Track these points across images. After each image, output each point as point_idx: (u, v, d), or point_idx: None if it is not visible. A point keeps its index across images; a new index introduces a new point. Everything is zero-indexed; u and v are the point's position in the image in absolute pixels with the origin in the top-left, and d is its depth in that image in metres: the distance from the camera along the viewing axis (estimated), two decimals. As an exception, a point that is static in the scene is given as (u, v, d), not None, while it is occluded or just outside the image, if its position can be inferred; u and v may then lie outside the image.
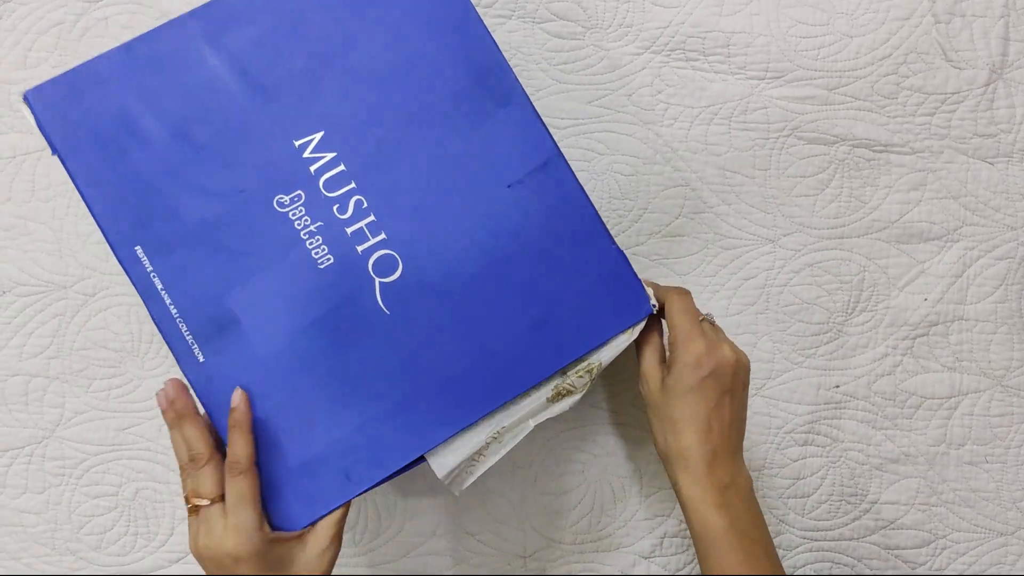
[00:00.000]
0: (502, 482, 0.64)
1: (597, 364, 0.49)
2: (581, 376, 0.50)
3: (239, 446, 0.45)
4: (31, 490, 0.64)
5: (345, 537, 0.64)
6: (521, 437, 0.49)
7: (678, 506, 0.64)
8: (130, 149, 0.47)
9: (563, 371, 0.49)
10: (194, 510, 0.46)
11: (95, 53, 0.63)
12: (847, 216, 0.63)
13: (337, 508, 0.48)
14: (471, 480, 0.49)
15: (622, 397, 0.64)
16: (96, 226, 0.60)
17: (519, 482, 0.64)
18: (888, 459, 0.64)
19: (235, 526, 0.45)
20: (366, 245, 0.47)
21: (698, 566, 0.64)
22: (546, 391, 0.49)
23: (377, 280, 0.47)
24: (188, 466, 0.46)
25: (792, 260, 0.63)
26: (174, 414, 0.46)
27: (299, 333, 0.47)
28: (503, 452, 0.49)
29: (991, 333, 0.63)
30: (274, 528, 0.47)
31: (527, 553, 0.64)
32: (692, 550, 0.64)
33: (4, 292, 0.63)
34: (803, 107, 0.63)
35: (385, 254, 0.48)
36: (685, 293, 0.51)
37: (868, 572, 0.64)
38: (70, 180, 0.47)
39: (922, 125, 0.63)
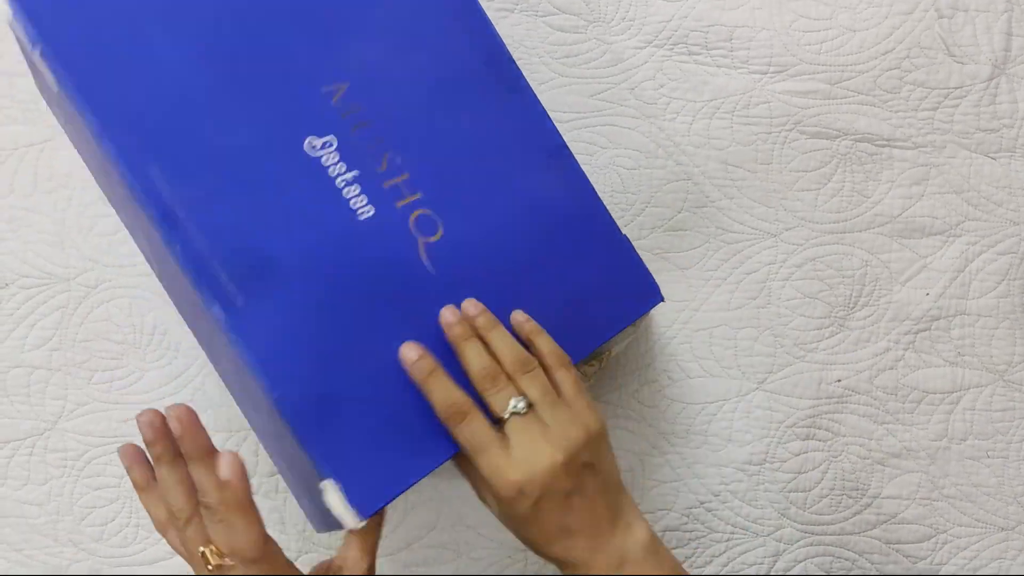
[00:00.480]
0: (503, 475, 0.64)
1: (607, 353, 0.49)
2: (592, 365, 0.49)
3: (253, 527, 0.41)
4: (33, 482, 0.64)
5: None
6: None
7: (679, 499, 0.64)
8: (143, 61, 0.41)
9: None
10: (217, 569, 0.40)
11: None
12: (849, 210, 0.63)
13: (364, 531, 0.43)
14: None
15: (621, 391, 0.64)
16: (100, 216, 0.60)
17: (520, 475, 0.64)
18: (889, 454, 0.64)
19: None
20: (405, 201, 0.45)
21: (697, 561, 0.64)
22: None
23: (420, 239, 0.45)
24: (202, 514, 0.40)
25: (794, 254, 0.63)
26: (188, 446, 0.40)
27: (342, 285, 0.43)
28: None
29: (993, 328, 0.63)
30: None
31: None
32: (693, 544, 0.64)
33: (6, 284, 0.63)
34: (806, 101, 0.63)
35: (424, 214, 0.45)
36: (460, 418, 0.42)
37: (869, 566, 0.64)
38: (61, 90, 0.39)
39: (925, 120, 0.63)
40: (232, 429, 0.64)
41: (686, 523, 0.64)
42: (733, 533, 0.64)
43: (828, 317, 0.63)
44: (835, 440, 0.64)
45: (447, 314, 0.44)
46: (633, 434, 0.64)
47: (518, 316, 0.45)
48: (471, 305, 0.44)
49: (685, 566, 0.64)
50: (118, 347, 0.64)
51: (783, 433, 0.64)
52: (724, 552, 0.64)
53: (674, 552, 0.64)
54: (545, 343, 0.45)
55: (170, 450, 0.41)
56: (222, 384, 0.63)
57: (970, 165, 0.63)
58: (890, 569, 0.64)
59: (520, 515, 0.42)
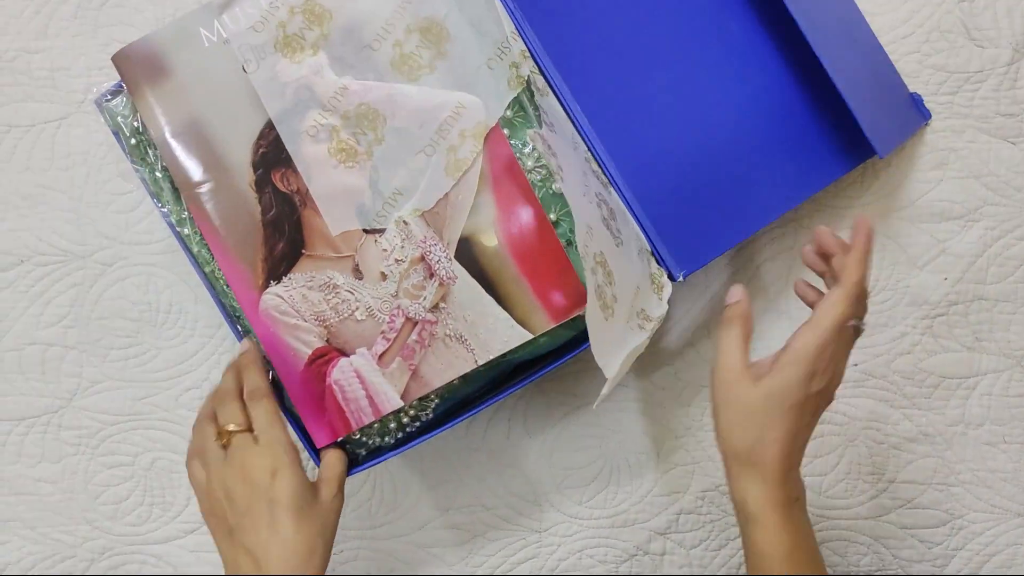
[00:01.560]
0: (519, 456, 0.64)
1: (658, 317, 0.52)
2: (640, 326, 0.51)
3: (258, 377, 0.49)
4: (47, 459, 0.64)
5: (360, 510, 0.64)
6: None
7: (694, 482, 0.64)
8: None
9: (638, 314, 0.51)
10: (226, 436, 0.47)
11: (115, 21, 0.63)
12: (868, 195, 0.63)
13: (334, 453, 0.51)
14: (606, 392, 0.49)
15: (640, 372, 0.64)
16: (116, 194, 0.60)
17: (535, 457, 0.64)
18: (906, 438, 0.63)
19: (268, 442, 0.46)
20: None
21: (712, 544, 0.64)
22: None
23: None
24: (216, 400, 0.48)
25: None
26: (243, 360, 0.50)
27: None
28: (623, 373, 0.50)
29: (1011, 313, 0.63)
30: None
31: (543, 528, 0.64)
32: (708, 527, 0.64)
33: (22, 261, 0.63)
34: (825, 84, 0.63)
35: None
36: (856, 284, 0.45)
37: (884, 551, 0.64)
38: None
39: (944, 104, 0.63)
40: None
41: (701, 506, 0.64)
42: (748, 516, 0.64)
43: (845, 301, 0.63)
44: (851, 424, 0.63)
45: (735, 292, 0.48)
46: (648, 417, 0.64)
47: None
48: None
49: (699, 549, 0.64)
50: (134, 325, 0.63)
51: (799, 417, 0.63)
52: (739, 536, 0.64)
53: (690, 533, 0.64)
54: None
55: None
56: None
57: (989, 150, 0.63)
58: (905, 554, 0.64)
59: (792, 397, 0.44)
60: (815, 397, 0.45)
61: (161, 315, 0.64)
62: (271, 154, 0.51)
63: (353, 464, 0.54)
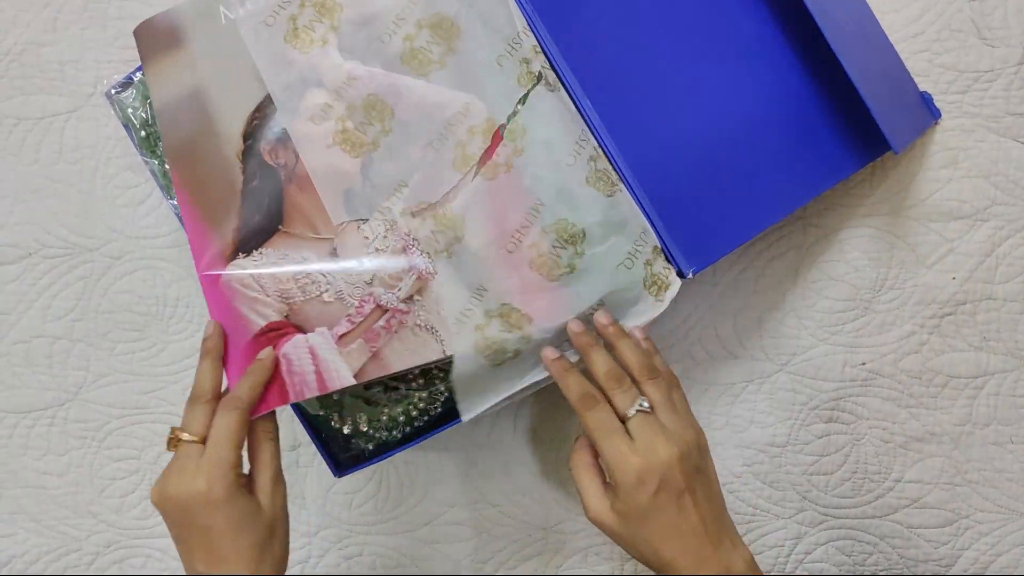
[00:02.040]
0: (525, 454, 0.64)
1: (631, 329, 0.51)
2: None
3: (246, 385, 0.46)
4: (53, 452, 0.64)
5: (366, 505, 0.64)
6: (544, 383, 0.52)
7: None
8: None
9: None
10: (175, 444, 0.45)
11: (124, 15, 0.63)
12: (877, 194, 0.63)
13: (267, 450, 0.47)
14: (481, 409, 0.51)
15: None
16: (125, 188, 0.60)
17: (542, 455, 0.64)
18: (913, 437, 0.63)
19: (212, 460, 0.43)
20: None
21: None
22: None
23: None
24: (189, 403, 0.46)
25: (822, 238, 0.63)
26: (204, 348, 0.48)
27: None
28: (525, 394, 0.52)
29: (1019, 313, 0.63)
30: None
31: (548, 525, 0.64)
32: (714, 525, 0.64)
33: (30, 254, 0.63)
34: (834, 83, 0.63)
35: None
36: (592, 404, 0.46)
37: (890, 551, 0.64)
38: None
39: (954, 103, 0.63)
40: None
41: (707, 504, 0.64)
42: (755, 515, 0.64)
43: (853, 300, 0.63)
44: (858, 423, 0.63)
45: (574, 325, 0.49)
46: (655, 414, 0.64)
47: (601, 319, 0.50)
48: (602, 315, 0.49)
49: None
50: (141, 319, 0.63)
51: (806, 415, 0.63)
52: (745, 534, 0.64)
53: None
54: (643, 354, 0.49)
55: None
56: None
57: (999, 149, 0.63)
58: (911, 554, 0.64)
59: (638, 507, 0.44)
60: (661, 493, 0.44)
61: (168, 309, 0.64)
62: (264, 128, 0.51)
63: (360, 459, 0.54)
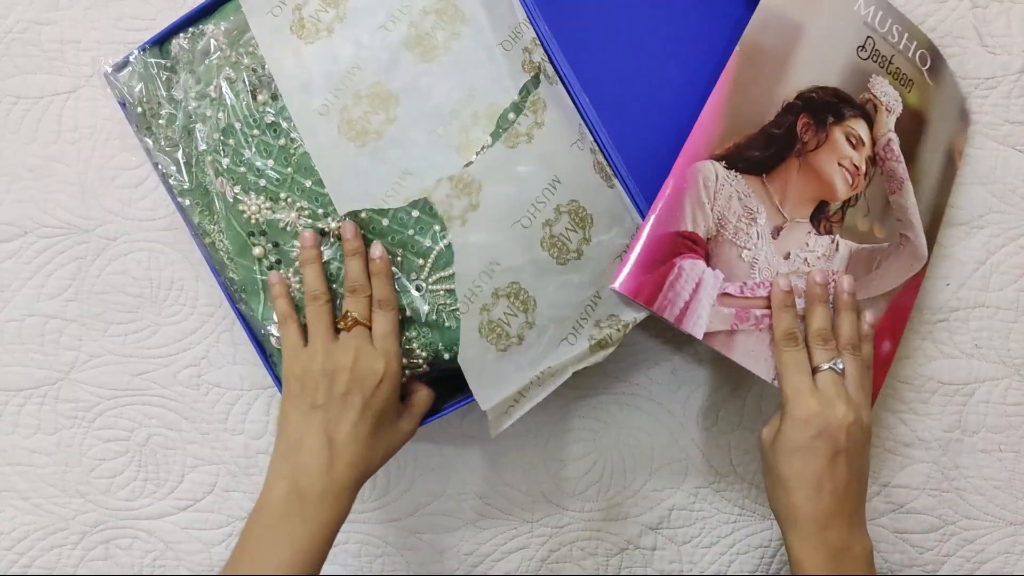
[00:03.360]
0: (513, 447, 0.64)
1: (632, 320, 0.51)
2: (618, 330, 0.51)
3: (389, 288, 0.50)
4: (43, 431, 0.64)
5: (354, 493, 0.64)
6: (560, 382, 0.51)
7: (687, 479, 0.64)
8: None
9: (599, 324, 0.51)
10: (351, 324, 0.48)
11: (123, 3, 0.63)
12: (873, 197, 0.63)
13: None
14: (509, 422, 0.51)
15: (637, 368, 0.64)
16: (122, 169, 0.60)
17: (530, 447, 0.64)
18: (901, 442, 0.63)
19: (384, 350, 0.48)
20: None
21: (703, 541, 0.64)
22: (584, 342, 0.51)
23: None
24: (349, 293, 0.49)
25: (815, 239, 0.63)
26: (350, 248, 0.50)
27: None
28: (543, 395, 0.51)
29: (1012, 322, 0.63)
30: None
31: (535, 518, 0.64)
32: (699, 524, 0.64)
33: (26, 232, 0.63)
34: (834, 85, 0.63)
35: None
36: (794, 344, 0.51)
37: (876, 554, 0.64)
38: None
39: (953, 109, 0.63)
40: (244, 388, 0.64)
41: (694, 502, 0.64)
42: (740, 514, 0.64)
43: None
44: (847, 427, 0.63)
45: (817, 275, 0.53)
46: (645, 413, 0.64)
47: (844, 284, 0.54)
48: (846, 281, 0.54)
49: (691, 545, 0.64)
50: (134, 300, 0.64)
51: (795, 417, 0.63)
52: (730, 533, 0.64)
53: (681, 529, 0.64)
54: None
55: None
56: (235, 342, 0.63)
57: (997, 157, 0.63)
58: (896, 558, 0.64)
59: (795, 442, 0.47)
60: (820, 439, 0.46)
61: (162, 292, 0.64)
62: (817, 103, 0.56)
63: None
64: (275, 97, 0.51)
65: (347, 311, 0.49)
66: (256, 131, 0.51)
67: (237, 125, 0.51)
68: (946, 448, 0.63)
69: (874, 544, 0.63)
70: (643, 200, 0.51)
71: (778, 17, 0.55)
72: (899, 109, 0.58)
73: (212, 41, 0.52)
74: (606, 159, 0.51)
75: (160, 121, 0.53)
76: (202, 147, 0.51)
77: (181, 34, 0.53)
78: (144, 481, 0.65)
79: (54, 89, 0.63)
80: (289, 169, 0.50)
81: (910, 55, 0.59)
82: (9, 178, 0.63)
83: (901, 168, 0.58)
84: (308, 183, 0.50)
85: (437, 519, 0.64)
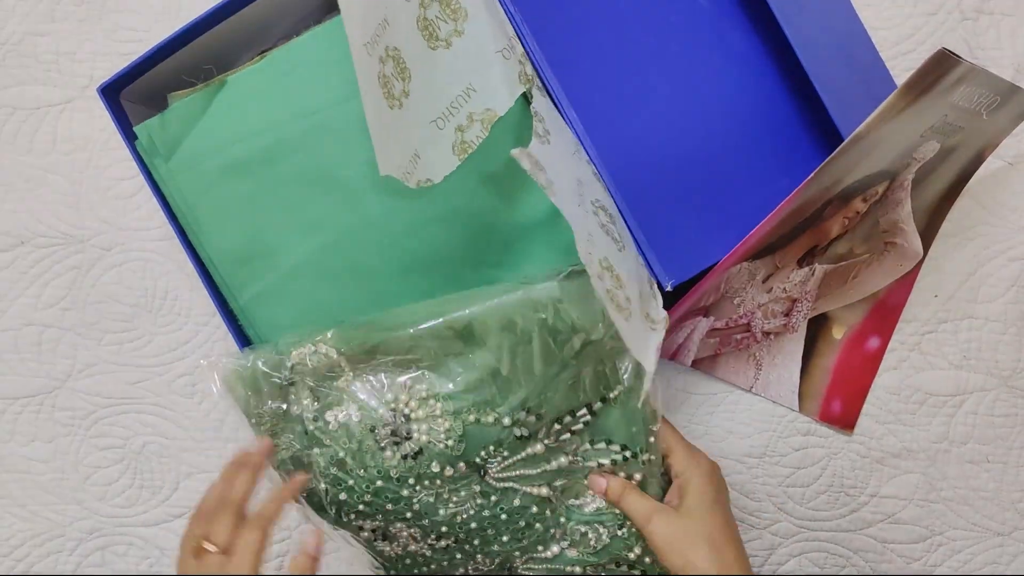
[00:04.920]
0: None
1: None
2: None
3: (272, 504, 0.46)
4: (40, 438, 0.65)
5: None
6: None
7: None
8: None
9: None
10: (199, 553, 0.44)
11: (121, 8, 0.64)
12: (862, 209, 0.63)
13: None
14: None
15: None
16: (116, 180, 0.60)
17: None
18: (889, 453, 0.64)
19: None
20: None
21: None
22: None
23: None
24: (211, 508, 0.45)
25: (805, 250, 0.63)
26: (248, 460, 0.48)
27: None
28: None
29: (1000, 334, 0.63)
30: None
31: (525, 527, 0.65)
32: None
33: (22, 242, 0.64)
34: (824, 98, 0.63)
35: None
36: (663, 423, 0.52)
37: (863, 565, 0.64)
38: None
39: (943, 122, 0.63)
40: (238, 396, 0.64)
41: (683, 512, 0.64)
42: (729, 524, 0.64)
43: (835, 314, 0.63)
44: (835, 437, 0.64)
45: (597, 482, 0.52)
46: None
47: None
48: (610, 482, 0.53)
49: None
50: (130, 310, 0.64)
51: (784, 428, 0.64)
52: (719, 542, 0.64)
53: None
54: None
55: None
56: (227, 352, 0.63)
57: (986, 168, 0.63)
58: (884, 568, 0.64)
59: (709, 502, 0.49)
60: (723, 491, 0.51)
61: (157, 301, 0.64)
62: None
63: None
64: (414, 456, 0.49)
65: (200, 538, 0.45)
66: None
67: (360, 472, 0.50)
68: (934, 459, 0.64)
69: (862, 554, 0.64)
70: (631, 215, 0.51)
71: (866, 150, 0.52)
72: (934, 152, 0.56)
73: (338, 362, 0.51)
74: (594, 172, 0.52)
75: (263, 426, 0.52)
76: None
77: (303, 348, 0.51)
78: (139, 488, 0.65)
79: (49, 100, 0.64)
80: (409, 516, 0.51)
81: (973, 107, 0.54)
82: (5, 189, 0.64)
83: (905, 195, 0.58)
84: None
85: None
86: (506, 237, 0.53)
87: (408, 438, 0.48)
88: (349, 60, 0.52)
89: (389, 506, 0.50)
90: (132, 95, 0.55)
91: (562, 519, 0.53)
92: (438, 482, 0.50)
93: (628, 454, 0.51)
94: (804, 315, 0.58)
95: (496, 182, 0.52)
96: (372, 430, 0.49)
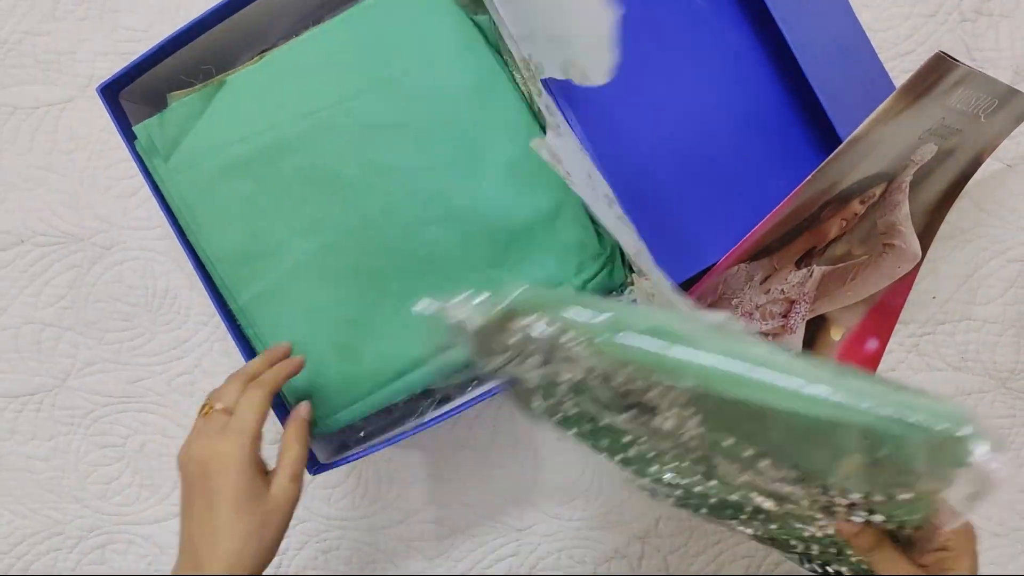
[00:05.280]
0: (502, 455, 0.65)
1: None
2: None
3: (273, 371, 0.49)
4: (39, 437, 0.65)
5: (344, 500, 0.65)
6: None
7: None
8: None
9: None
10: (208, 411, 0.46)
11: (121, 7, 0.64)
12: (861, 210, 0.63)
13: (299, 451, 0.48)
14: None
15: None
16: (116, 179, 0.61)
17: (520, 456, 0.65)
18: (887, 454, 0.64)
19: (236, 428, 0.44)
20: None
21: (690, 550, 0.65)
22: None
23: None
24: (228, 378, 0.48)
25: (803, 251, 0.64)
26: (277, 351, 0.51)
27: None
28: None
29: (998, 335, 0.63)
30: None
31: (524, 526, 0.65)
32: (686, 534, 0.65)
33: (22, 241, 0.64)
34: (824, 99, 0.63)
35: None
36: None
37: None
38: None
39: (942, 123, 0.63)
40: (237, 395, 0.64)
41: (680, 512, 0.64)
42: (727, 524, 0.65)
43: (834, 315, 0.64)
44: (834, 438, 0.64)
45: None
46: (633, 421, 0.64)
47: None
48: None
49: (677, 555, 0.65)
50: (130, 309, 0.64)
51: (782, 428, 0.64)
52: (717, 543, 0.65)
53: (670, 538, 0.64)
54: None
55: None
56: (228, 351, 0.63)
57: (985, 170, 0.63)
58: (881, 568, 0.64)
59: None
60: None
61: (157, 300, 0.64)
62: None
63: (343, 448, 0.55)
64: None
65: (209, 400, 0.47)
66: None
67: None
68: (931, 460, 0.64)
69: (859, 554, 0.64)
70: (629, 215, 0.52)
71: (864, 152, 0.53)
72: (932, 154, 0.56)
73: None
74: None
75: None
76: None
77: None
78: (139, 487, 0.65)
79: (50, 99, 0.64)
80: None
81: (971, 109, 0.54)
82: (5, 188, 0.64)
83: (903, 196, 0.58)
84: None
85: (427, 527, 0.65)
86: (506, 237, 0.53)
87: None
88: (348, 60, 0.52)
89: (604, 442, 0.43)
90: (132, 95, 0.55)
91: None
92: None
93: (880, 519, 0.38)
94: (802, 316, 0.58)
95: (496, 183, 0.52)
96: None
